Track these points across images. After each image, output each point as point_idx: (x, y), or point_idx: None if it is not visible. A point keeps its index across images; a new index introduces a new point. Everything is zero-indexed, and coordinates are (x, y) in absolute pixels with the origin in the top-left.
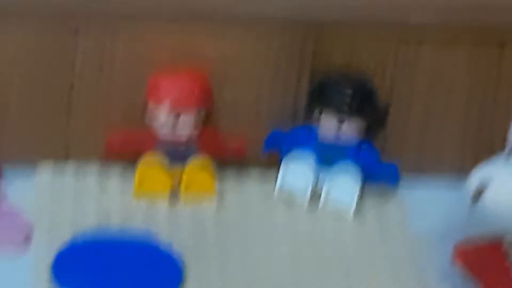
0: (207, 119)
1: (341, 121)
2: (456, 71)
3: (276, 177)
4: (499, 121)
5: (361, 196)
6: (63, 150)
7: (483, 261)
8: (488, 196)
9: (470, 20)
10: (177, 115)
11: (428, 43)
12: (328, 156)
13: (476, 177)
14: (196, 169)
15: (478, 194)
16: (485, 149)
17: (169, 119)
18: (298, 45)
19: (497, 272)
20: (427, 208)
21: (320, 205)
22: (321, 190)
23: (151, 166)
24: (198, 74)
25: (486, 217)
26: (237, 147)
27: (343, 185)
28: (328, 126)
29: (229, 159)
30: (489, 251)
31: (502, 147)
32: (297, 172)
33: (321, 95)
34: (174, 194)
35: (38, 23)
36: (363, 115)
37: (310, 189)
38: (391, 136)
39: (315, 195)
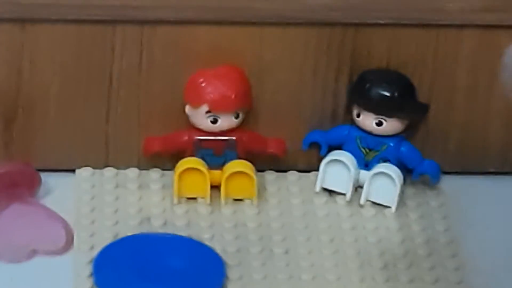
0: (247, 121)
1: (380, 121)
2: (499, 59)
3: (317, 178)
4: None
5: (403, 193)
6: (102, 156)
7: None
8: None
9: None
10: (216, 117)
11: (469, 29)
12: (368, 155)
13: None
14: (236, 171)
15: None
16: None
17: (208, 121)
18: (336, 45)
19: None
20: (469, 204)
21: (362, 203)
22: (362, 189)
23: (190, 169)
24: (237, 76)
25: None
26: (277, 148)
27: (384, 184)
28: (368, 125)
29: (269, 160)
30: None
31: None
32: (337, 171)
33: (360, 95)
34: (214, 197)
35: (77, 27)
36: (403, 114)
37: (350, 188)
38: (433, 133)
39: (356, 194)
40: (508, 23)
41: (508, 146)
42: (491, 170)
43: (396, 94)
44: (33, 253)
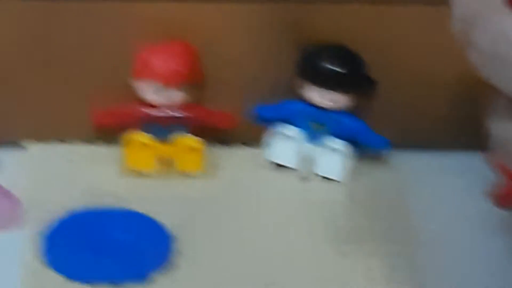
0: (194, 95)
1: (328, 94)
2: (445, 33)
3: (264, 152)
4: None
5: (351, 167)
6: (51, 130)
7: None
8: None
9: None
10: (165, 91)
11: (414, 5)
12: (316, 128)
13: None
14: (185, 144)
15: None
16: (477, 121)
17: (156, 96)
18: (281, 20)
19: None
20: (417, 178)
21: (310, 177)
22: (311, 161)
23: (139, 143)
24: (185, 50)
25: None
26: (225, 122)
27: (332, 158)
28: (316, 99)
29: (216, 134)
30: None
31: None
32: (285, 145)
33: (308, 69)
34: (162, 170)
35: (29, 4)
36: (351, 88)
37: (299, 162)
38: (380, 108)
39: (305, 167)
40: None
41: (454, 121)
42: (438, 144)
43: (344, 69)
44: None
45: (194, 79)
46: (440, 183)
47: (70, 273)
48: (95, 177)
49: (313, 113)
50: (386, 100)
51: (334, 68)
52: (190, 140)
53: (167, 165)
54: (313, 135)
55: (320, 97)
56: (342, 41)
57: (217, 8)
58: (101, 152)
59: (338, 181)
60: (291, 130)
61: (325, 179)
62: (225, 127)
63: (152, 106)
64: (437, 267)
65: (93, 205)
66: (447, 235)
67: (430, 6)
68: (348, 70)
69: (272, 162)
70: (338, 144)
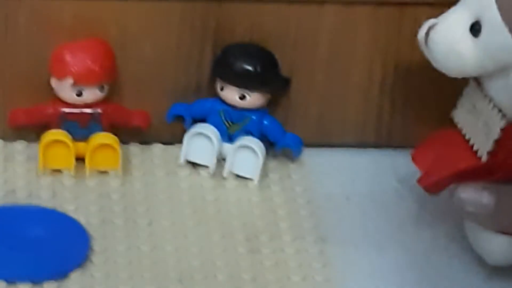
0: (111, 94)
1: (243, 94)
2: (358, 34)
3: (180, 150)
4: (399, 89)
5: (265, 166)
6: None
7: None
8: (434, 33)
9: None
10: (81, 90)
11: (329, 5)
12: (231, 128)
13: (427, 23)
14: (100, 143)
15: (428, 35)
16: (386, 117)
17: (72, 94)
18: (200, 19)
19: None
20: (329, 174)
21: (225, 175)
22: (226, 161)
23: (55, 141)
24: (102, 48)
25: (435, 57)
26: (141, 121)
27: (247, 157)
28: (231, 98)
29: (133, 133)
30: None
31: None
32: (201, 144)
33: (223, 69)
34: (79, 169)
35: None
36: (265, 88)
37: (214, 161)
38: (294, 107)
39: (219, 167)
40: None
41: (366, 119)
42: (351, 142)
43: (258, 68)
44: None
45: (110, 77)
46: (351, 180)
47: None
48: (11, 175)
49: (228, 112)
50: (299, 99)
51: (246, 67)
52: (106, 138)
53: (83, 162)
54: (228, 134)
55: (234, 95)
56: (260, 40)
57: (135, 6)
58: (17, 149)
59: (252, 179)
60: (206, 129)
61: (239, 177)
62: (142, 125)
63: (68, 104)
64: (346, 264)
65: (9, 203)
66: (356, 231)
67: (345, 6)
68: (261, 69)
69: (187, 161)
70: (252, 142)
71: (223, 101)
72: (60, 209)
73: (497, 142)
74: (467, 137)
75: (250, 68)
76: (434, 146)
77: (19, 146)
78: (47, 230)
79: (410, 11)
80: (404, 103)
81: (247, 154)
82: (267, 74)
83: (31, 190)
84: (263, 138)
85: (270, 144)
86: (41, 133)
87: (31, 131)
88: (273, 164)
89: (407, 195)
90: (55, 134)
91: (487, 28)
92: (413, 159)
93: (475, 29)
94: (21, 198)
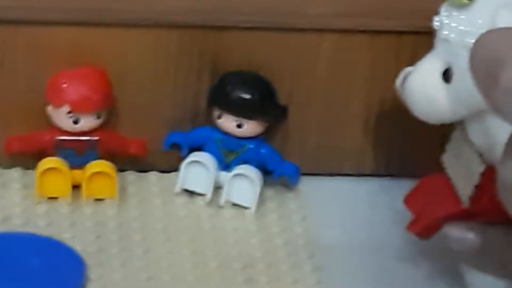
0: (108, 121)
1: (240, 123)
2: (356, 63)
3: (177, 178)
4: (397, 118)
5: (262, 195)
6: None
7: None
8: (409, 81)
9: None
10: (78, 118)
11: (327, 33)
12: (228, 156)
13: (403, 72)
14: (97, 171)
15: (403, 83)
16: (384, 146)
17: (69, 122)
18: (197, 48)
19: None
20: (327, 206)
21: (221, 204)
22: (222, 190)
23: (51, 169)
24: (99, 76)
25: (410, 103)
26: (138, 149)
27: (244, 185)
28: (228, 127)
29: (130, 161)
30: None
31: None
32: (197, 172)
33: (220, 97)
34: (75, 197)
35: None
36: (263, 117)
37: (211, 189)
38: (291, 135)
39: (216, 195)
40: (364, 28)
41: (364, 149)
42: (348, 172)
43: (256, 96)
44: None
45: (106, 105)
46: (349, 210)
47: None
48: (7, 202)
49: (225, 140)
50: (297, 127)
51: (244, 95)
52: (102, 166)
53: (79, 190)
54: (225, 162)
55: (231, 124)
56: (258, 68)
57: (132, 34)
58: (13, 176)
59: (249, 208)
60: (202, 157)
61: (236, 206)
62: (138, 153)
63: (65, 131)
64: None
65: (4, 231)
66: (353, 261)
67: (343, 34)
68: (258, 97)
69: (184, 189)
70: (249, 171)
71: (220, 130)
72: (56, 237)
73: (477, 187)
74: (452, 182)
75: (247, 96)
76: (425, 190)
77: (15, 173)
78: (42, 258)
79: (408, 39)
80: (403, 133)
81: (244, 182)
82: (265, 102)
83: (27, 218)
84: (260, 166)
85: (267, 173)
86: (38, 160)
87: (28, 158)
88: (270, 192)
89: (405, 225)
90: (52, 161)
91: (458, 74)
92: (405, 202)
93: (447, 75)
94: (17, 225)
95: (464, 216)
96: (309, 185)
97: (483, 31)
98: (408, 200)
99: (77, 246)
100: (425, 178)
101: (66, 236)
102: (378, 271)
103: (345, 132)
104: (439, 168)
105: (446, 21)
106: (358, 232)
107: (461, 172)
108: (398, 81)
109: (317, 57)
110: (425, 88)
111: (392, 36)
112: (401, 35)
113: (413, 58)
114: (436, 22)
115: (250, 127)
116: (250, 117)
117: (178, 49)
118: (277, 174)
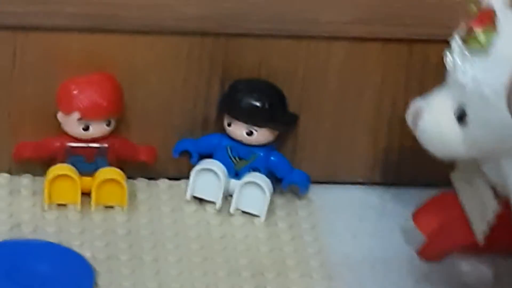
0: (118, 128)
1: (251, 130)
2: (367, 70)
3: (187, 186)
4: (408, 127)
5: (272, 203)
6: None
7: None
8: (422, 121)
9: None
10: (88, 125)
11: (338, 41)
12: (238, 164)
13: (413, 105)
14: (107, 178)
15: (416, 119)
16: (395, 155)
17: (79, 128)
18: (208, 55)
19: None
20: (336, 212)
21: (231, 211)
22: (232, 198)
23: (61, 175)
24: (109, 83)
25: (425, 142)
26: (148, 156)
27: (254, 193)
28: (238, 134)
29: (140, 168)
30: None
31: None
32: (207, 180)
33: (231, 104)
34: (85, 203)
35: None
36: (273, 124)
37: (220, 197)
38: (302, 143)
39: (226, 203)
40: (375, 35)
41: (375, 157)
42: (359, 180)
43: (266, 104)
44: None
45: (117, 112)
46: (359, 218)
47: None
48: (17, 209)
49: (235, 148)
50: (307, 135)
51: (254, 103)
52: (112, 173)
53: (89, 197)
54: (235, 170)
55: (242, 131)
56: (268, 76)
57: (143, 41)
58: (23, 183)
59: (258, 216)
60: (213, 165)
61: (245, 214)
62: (148, 161)
63: (75, 138)
64: None
65: (14, 237)
66: (362, 269)
67: (354, 42)
68: (269, 105)
69: (194, 196)
70: (259, 179)
71: (230, 137)
72: (65, 244)
73: (491, 225)
74: (465, 209)
75: (257, 104)
76: (435, 210)
77: (25, 180)
78: (52, 265)
79: (419, 47)
80: (413, 141)
81: (254, 190)
82: (275, 110)
83: (37, 225)
84: (270, 174)
85: (277, 181)
86: (47, 167)
87: (37, 165)
88: (280, 201)
89: (414, 234)
90: (61, 168)
91: (474, 120)
92: (414, 219)
93: (461, 117)
94: (27, 232)
95: (477, 248)
96: (319, 194)
97: (502, 79)
98: (417, 218)
99: (86, 253)
100: (435, 197)
101: (75, 243)
102: (388, 279)
103: (356, 141)
104: (449, 179)
105: (460, 64)
106: (368, 240)
107: (475, 205)
108: (409, 116)
109: (328, 65)
110: (439, 129)
111: (403, 44)
112: (412, 43)
113: (424, 66)
114: (449, 62)
115: (260, 135)
116: (260, 125)
117: (188, 56)
118: (287, 182)
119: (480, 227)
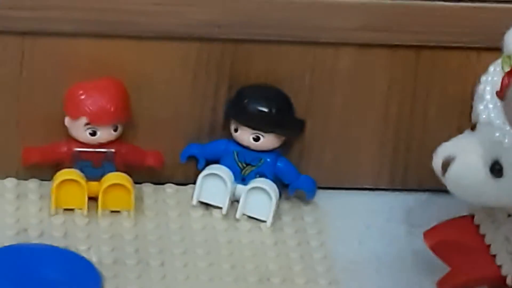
0: (125, 134)
1: (257, 136)
2: (374, 77)
3: (194, 191)
4: (414, 132)
5: (278, 208)
6: None
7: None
8: (452, 171)
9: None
10: (95, 130)
11: (345, 47)
12: (245, 169)
13: (442, 151)
14: (114, 183)
15: (445, 168)
16: (401, 160)
17: (86, 133)
18: (215, 61)
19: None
20: (343, 217)
21: (237, 217)
22: (238, 203)
23: (68, 180)
24: (116, 88)
25: (454, 191)
26: (155, 161)
27: (260, 199)
28: (245, 140)
29: (147, 173)
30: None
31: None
32: (214, 185)
33: (238, 110)
34: (91, 208)
35: None
36: (280, 130)
37: (227, 202)
38: (308, 149)
39: (232, 208)
40: (382, 42)
41: (381, 163)
42: (365, 185)
43: (273, 110)
44: None
45: (124, 117)
46: (365, 224)
47: None
48: (24, 213)
49: (242, 153)
50: (314, 141)
51: (261, 109)
52: (119, 178)
53: (96, 202)
54: (241, 175)
55: (248, 137)
56: (275, 82)
57: (151, 46)
58: (30, 188)
59: (265, 221)
60: (219, 170)
61: (252, 219)
62: (155, 166)
63: (82, 143)
64: None
65: (21, 242)
66: (369, 275)
67: (361, 48)
68: (276, 111)
69: (200, 201)
70: (265, 184)
71: (237, 142)
72: (72, 248)
73: None
74: (487, 242)
75: (264, 110)
76: (449, 235)
77: (32, 184)
78: (58, 269)
79: (426, 53)
80: (420, 147)
81: (260, 196)
82: (282, 116)
83: (43, 229)
84: (276, 180)
85: (283, 186)
86: (55, 172)
87: (45, 169)
88: (286, 206)
89: (421, 240)
90: (68, 173)
91: (508, 170)
92: (427, 239)
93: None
94: (33, 237)
95: (500, 281)
96: (325, 199)
97: None
98: (429, 237)
99: (93, 258)
100: (451, 220)
101: (82, 248)
102: (394, 285)
103: (362, 146)
104: None
105: (496, 120)
106: (375, 246)
107: (500, 240)
108: (437, 163)
109: (335, 71)
110: (471, 180)
111: (411, 50)
112: (420, 49)
113: (431, 73)
114: (484, 117)
115: (267, 141)
116: (267, 131)
117: (196, 61)
118: (293, 188)
119: (510, 268)
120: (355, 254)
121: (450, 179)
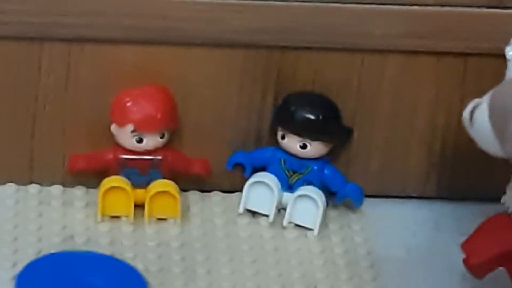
0: (171, 141)
1: (304, 143)
2: (421, 84)
3: (240, 199)
4: (462, 141)
5: (325, 216)
6: (26, 172)
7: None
8: (474, 116)
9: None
10: (141, 137)
11: (392, 54)
12: (291, 177)
13: (473, 101)
14: (160, 190)
15: (471, 116)
16: (449, 169)
17: (133, 141)
18: (261, 68)
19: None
20: (390, 225)
21: (284, 225)
22: (285, 211)
23: (115, 187)
24: (163, 95)
25: (476, 139)
26: (201, 168)
27: (307, 206)
28: (292, 147)
29: (193, 180)
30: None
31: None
32: (260, 193)
33: (285, 117)
34: (138, 216)
35: (4, 44)
36: (327, 138)
37: (274, 210)
38: (355, 157)
39: (279, 216)
40: (429, 49)
41: (428, 171)
42: (412, 194)
43: (320, 117)
44: None
45: (170, 125)
46: (412, 232)
47: None
48: (70, 220)
49: (289, 161)
50: (360, 149)
51: (308, 116)
52: (166, 186)
53: (142, 209)
54: (288, 183)
55: (295, 144)
56: (322, 89)
57: (197, 53)
58: (76, 195)
59: (312, 229)
60: (266, 178)
61: (298, 227)
62: (201, 173)
63: (128, 150)
64: None
65: (67, 249)
66: (416, 284)
67: (408, 55)
68: (323, 118)
69: (247, 209)
70: (312, 192)
71: (284, 150)
72: (118, 256)
73: None
74: None
75: (312, 117)
76: (484, 233)
77: (79, 192)
78: (104, 277)
79: (474, 61)
80: (467, 155)
81: (307, 203)
82: (329, 123)
83: (90, 236)
84: (323, 187)
85: (330, 194)
86: (101, 179)
87: (91, 177)
88: (333, 214)
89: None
90: (115, 180)
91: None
92: (464, 248)
93: None
94: (79, 244)
95: None
96: (372, 207)
97: None
98: (470, 252)
99: (139, 265)
100: (487, 224)
101: (128, 255)
102: None
103: (409, 154)
104: (503, 193)
105: None
106: (422, 254)
107: None
108: (466, 112)
109: (382, 78)
110: (488, 129)
111: (458, 58)
112: (467, 57)
113: (479, 81)
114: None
115: (314, 148)
116: (314, 138)
117: (242, 68)
118: (340, 196)
119: None
120: (402, 262)
121: (475, 123)
